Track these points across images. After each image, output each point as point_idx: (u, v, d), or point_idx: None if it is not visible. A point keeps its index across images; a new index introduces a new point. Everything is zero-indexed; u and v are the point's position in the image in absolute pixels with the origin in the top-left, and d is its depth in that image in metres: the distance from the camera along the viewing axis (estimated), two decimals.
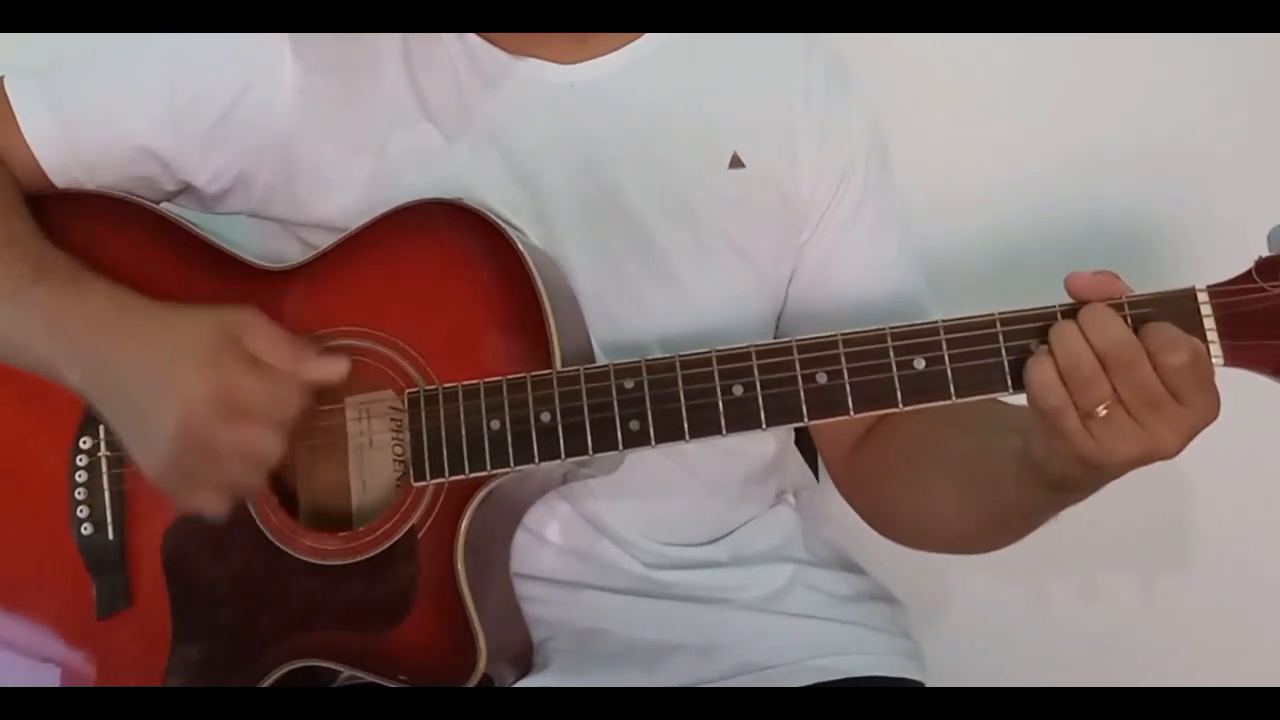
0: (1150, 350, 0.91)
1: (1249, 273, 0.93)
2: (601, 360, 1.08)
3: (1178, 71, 1.46)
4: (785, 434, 1.29)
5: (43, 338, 1.07)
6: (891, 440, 1.19)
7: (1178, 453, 0.93)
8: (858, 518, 1.25)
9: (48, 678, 1.14)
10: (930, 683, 1.21)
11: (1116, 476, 0.96)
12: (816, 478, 1.37)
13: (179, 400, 1.00)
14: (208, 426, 1.00)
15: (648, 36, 1.18)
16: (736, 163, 1.18)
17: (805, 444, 1.35)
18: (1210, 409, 0.93)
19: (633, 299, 1.16)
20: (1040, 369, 0.93)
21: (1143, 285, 0.96)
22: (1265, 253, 0.93)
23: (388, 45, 1.15)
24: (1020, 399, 0.96)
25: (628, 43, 1.18)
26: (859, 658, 1.18)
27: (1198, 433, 0.93)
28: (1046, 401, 0.93)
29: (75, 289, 1.08)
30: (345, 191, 1.15)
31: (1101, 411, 0.92)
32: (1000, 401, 0.99)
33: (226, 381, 1.01)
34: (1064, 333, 0.93)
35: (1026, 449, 0.98)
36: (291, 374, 1.03)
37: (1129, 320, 0.93)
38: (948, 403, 0.97)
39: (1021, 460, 0.99)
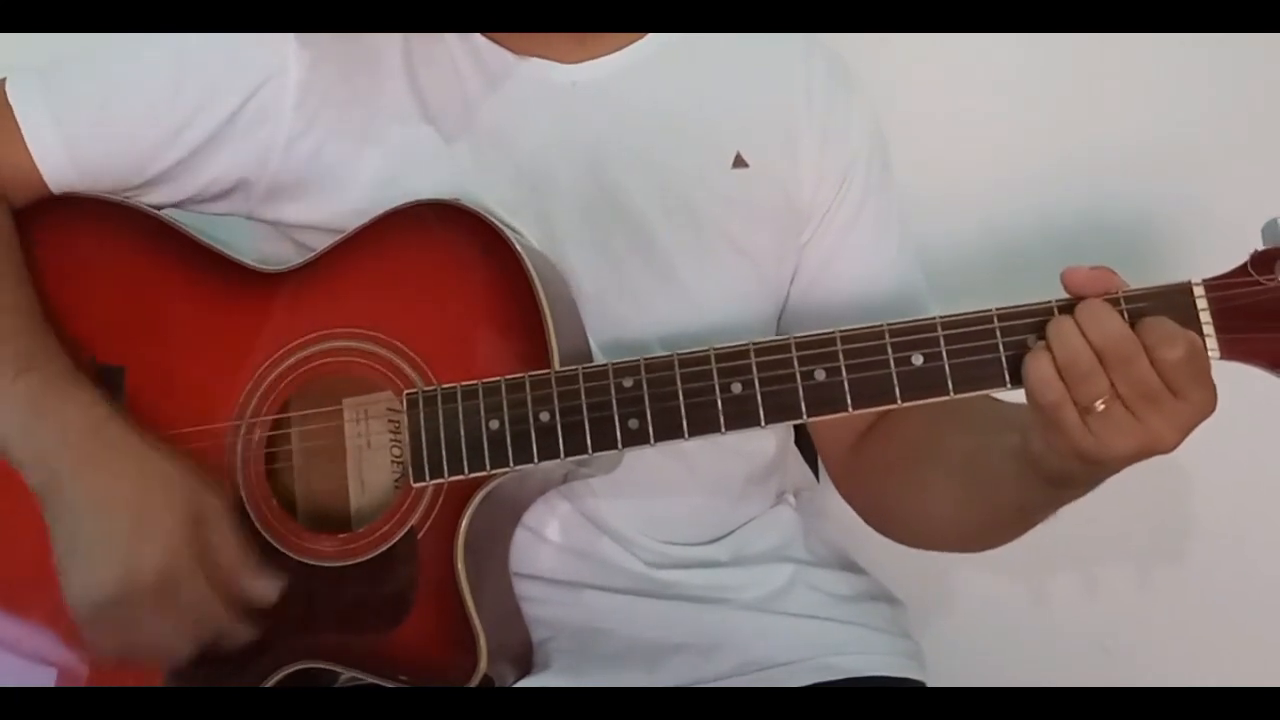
0: (1147, 345, 0.91)
1: (1244, 266, 0.93)
2: (600, 360, 1.08)
3: (1174, 70, 1.46)
4: (785, 433, 1.29)
5: (13, 432, 1.07)
6: (890, 439, 1.19)
7: (1175, 447, 0.94)
8: (858, 518, 1.25)
9: (47, 678, 1.14)
10: (930, 683, 1.21)
11: (1115, 472, 0.96)
12: (817, 477, 1.37)
13: (127, 566, 1.03)
14: (138, 607, 1.03)
15: (650, 37, 1.18)
16: (739, 163, 1.18)
17: (805, 444, 1.35)
18: (1207, 403, 0.93)
19: (634, 299, 1.16)
20: (1038, 364, 0.93)
21: (1140, 281, 0.96)
22: (1260, 247, 0.93)
23: (389, 46, 1.15)
24: (1018, 395, 0.96)
25: (630, 43, 1.18)
26: (859, 658, 1.18)
27: (1195, 427, 0.93)
28: (1044, 396, 0.93)
29: (55, 394, 1.08)
30: (347, 193, 1.15)
31: (1099, 406, 0.92)
32: (998, 399, 0.99)
33: (171, 571, 1.04)
34: (1061, 328, 0.93)
35: (1025, 445, 0.98)
36: (229, 584, 1.06)
37: (1125, 315, 0.93)
38: (946, 399, 0.97)
39: (1020, 456, 0.99)
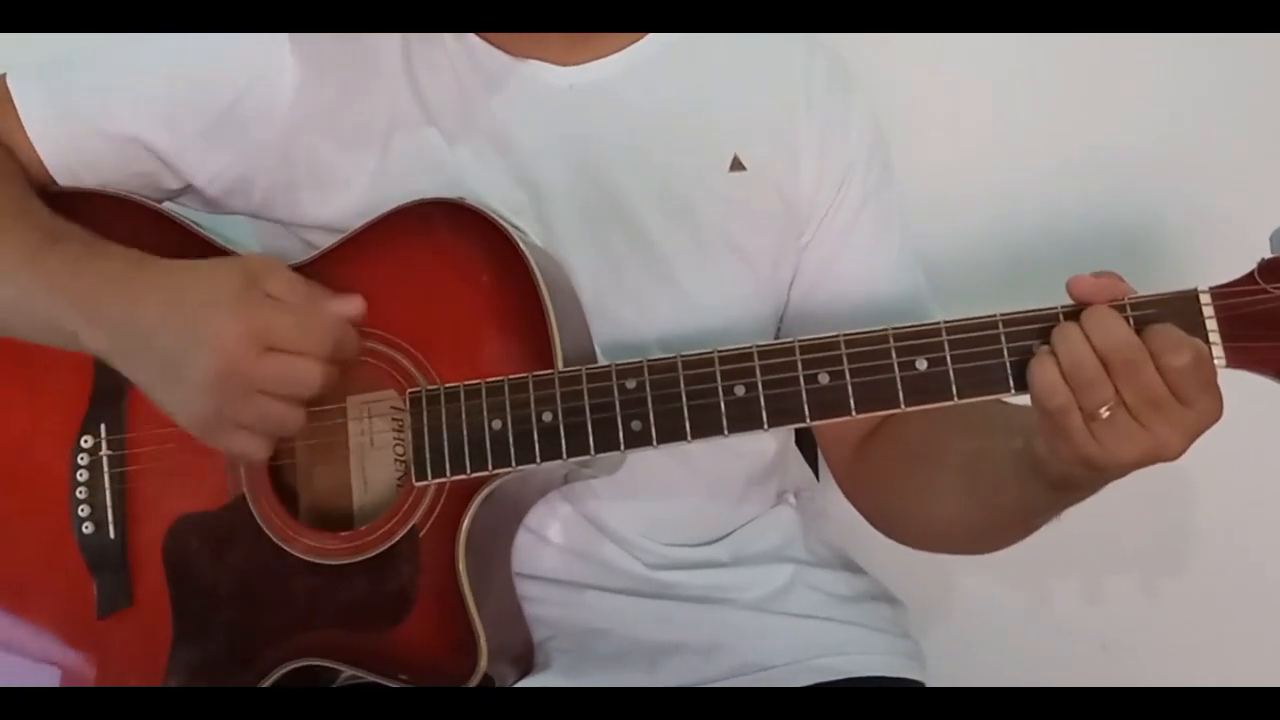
0: (1153, 351, 0.91)
1: (1251, 274, 0.93)
2: (602, 361, 1.08)
3: (1180, 72, 1.46)
4: (786, 434, 1.29)
5: (61, 304, 1.06)
6: (894, 442, 1.19)
7: (1181, 454, 0.93)
8: (858, 518, 1.25)
9: (48, 677, 1.14)
10: (930, 683, 1.21)
11: (1119, 477, 0.96)
12: (817, 478, 1.37)
13: (213, 344, 0.99)
14: (245, 364, 0.99)
15: (648, 38, 1.18)
16: (737, 165, 1.18)
17: (806, 444, 1.35)
18: (1213, 410, 0.93)
19: (633, 301, 1.16)
20: (1044, 369, 0.93)
21: (1146, 287, 0.95)
22: (1268, 254, 0.93)
23: (388, 47, 1.15)
24: (1022, 399, 0.96)
25: (628, 44, 1.18)
26: (859, 658, 1.18)
27: (1201, 434, 0.93)
28: (1050, 401, 0.93)
29: (91, 251, 1.08)
30: (346, 194, 1.15)
31: (1104, 413, 0.92)
32: (1003, 402, 0.99)
33: (256, 319, 1.00)
34: (1067, 334, 0.93)
35: (1028, 448, 0.98)
36: (316, 307, 1.03)
37: (1131, 322, 0.93)
38: (950, 404, 0.97)
39: (1023, 460, 0.99)
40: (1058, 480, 0.98)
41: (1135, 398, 0.92)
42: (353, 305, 1.04)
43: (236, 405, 1.01)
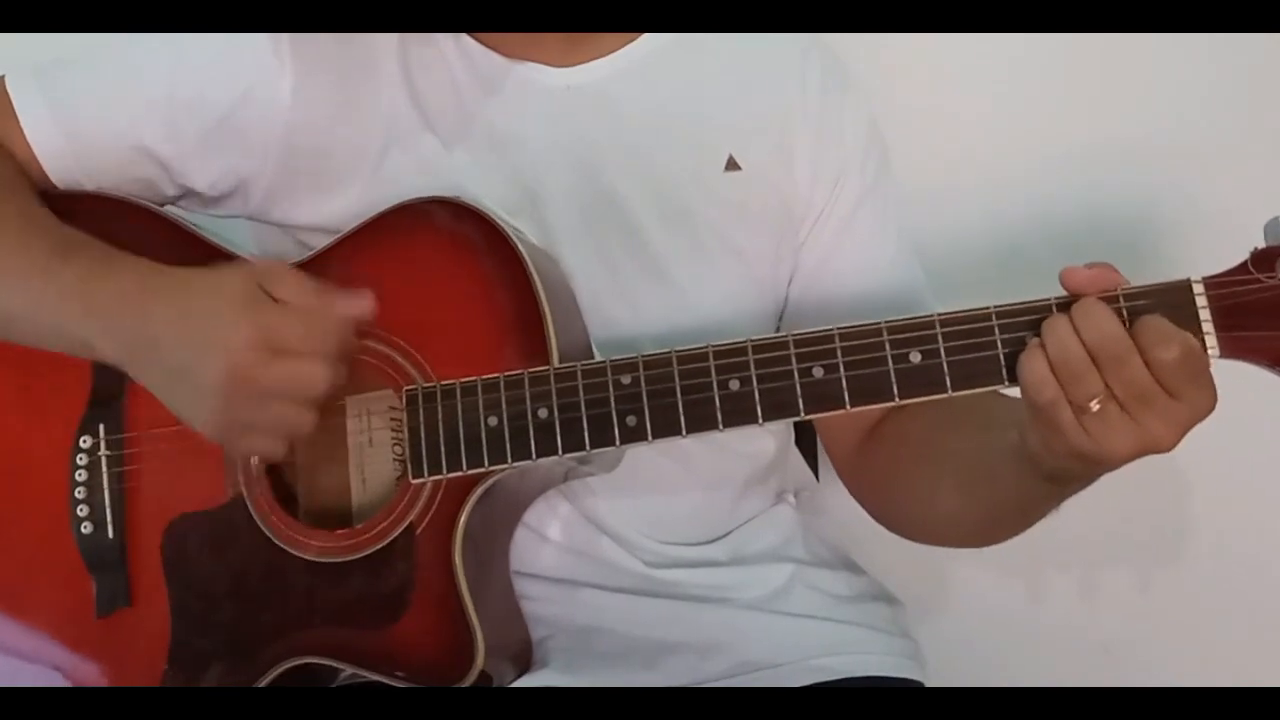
0: (1141, 345, 0.91)
1: (1245, 264, 0.93)
2: (599, 358, 1.08)
3: (1174, 68, 1.46)
4: (785, 433, 1.29)
5: (76, 315, 1.07)
6: (897, 438, 1.19)
7: (1173, 446, 0.93)
8: (857, 518, 1.25)
9: (47, 677, 1.14)
10: (929, 682, 1.21)
11: (1114, 469, 0.96)
12: (817, 478, 1.37)
13: (221, 350, 1.00)
14: (254, 369, 1.00)
15: (644, 38, 1.19)
16: (733, 165, 1.18)
17: (806, 444, 1.35)
18: (1205, 403, 0.92)
19: (629, 301, 1.16)
20: (1033, 363, 0.93)
21: (1141, 278, 0.95)
22: (1261, 244, 0.93)
23: (384, 48, 1.16)
24: (1017, 391, 0.96)
25: (623, 45, 1.18)
26: (859, 657, 1.18)
27: (1193, 426, 0.93)
28: (1040, 395, 0.93)
29: (104, 265, 1.08)
30: (344, 196, 1.15)
31: (1094, 406, 0.92)
32: (1001, 395, 0.99)
33: (263, 324, 1.00)
34: (1056, 327, 0.93)
35: (1023, 442, 0.98)
36: (323, 309, 1.03)
37: (1124, 313, 0.93)
38: (944, 396, 0.97)
39: (1019, 454, 0.99)
40: (1052, 473, 0.98)
41: (1123, 391, 0.91)
42: (362, 304, 1.04)
43: (249, 410, 1.01)
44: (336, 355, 1.02)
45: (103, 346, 1.06)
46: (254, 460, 1.12)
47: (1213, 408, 0.93)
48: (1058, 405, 0.92)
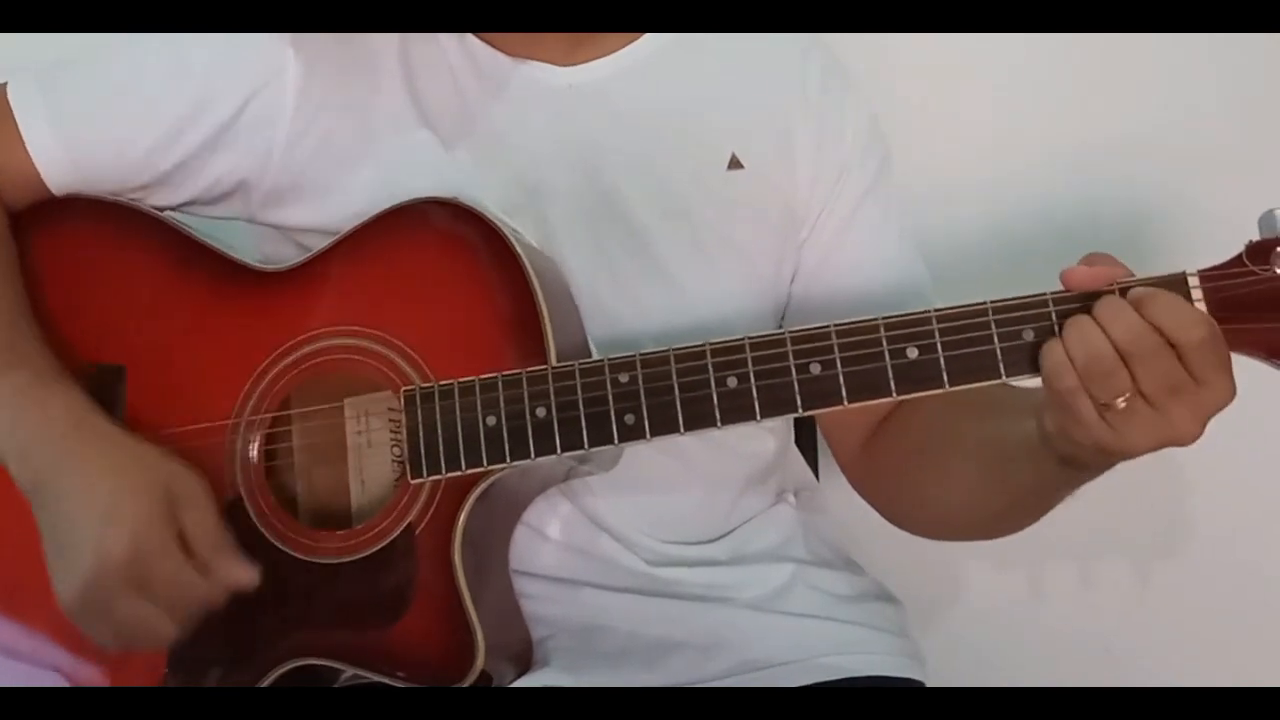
0: (1167, 329, 0.90)
1: (1239, 257, 0.93)
2: (597, 357, 1.08)
3: (1171, 66, 1.47)
4: (786, 433, 1.29)
5: (2, 427, 1.08)
6: (904, 431, 1.19)
7: (1196, 438, 0.93)
8: (858, 518, 1.25)
9: (47, 678, 1.14)
10: (930, 682, 1.21)
11: (1131, 459, 0.96)
12: (817, 477, 1.37)
13: (98, 552, 1.03)
14: (113, 591, 1.03)
15: (646, 37, 1.19)
16: (735, 163, 1.18)
17: (806, 444, 1.35)
18: (1228, 389, 0.92)
19: (631, 300, 1.17)
20: (1052, 350, 0.93)
21: (1139, 271, 0.95)
22: (1256, 237, 0.93)
23: (386, 50, 1.16)
24: (1014, 384, 0.96)
25: (624, 45, 1.18)
26: (859, 657, 1.18)
27: (1213, 415, 0.92)
28: (1061, 382, 0.92)
29: (39, 392, 1.09)
30: (345, 197, 1.15)
31: (1121, 404, 0.91)
32: (1011, 385, 0.99)
33: (143, 553, 1.03)
34: (1082, 328, 0.93)
35: (1039, 426, 0.98)
36: (206, 564, 1.05)
37: None
38: (941, 391, 0.97)
39: (1033, 438, 0.99)
40: (1070, 459, 0.98)
41: (1154, 384, 0.91)
42: (246, 576, 1.07)
43: (95, 611, 1.04)
44: (187, 617, 1.05)
45: (14, 470, 1.08)
46: (253, 459, 1.12)
47: (1233, 396, 0.92)
48: (1078, 393, 0.92)
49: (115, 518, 1.03)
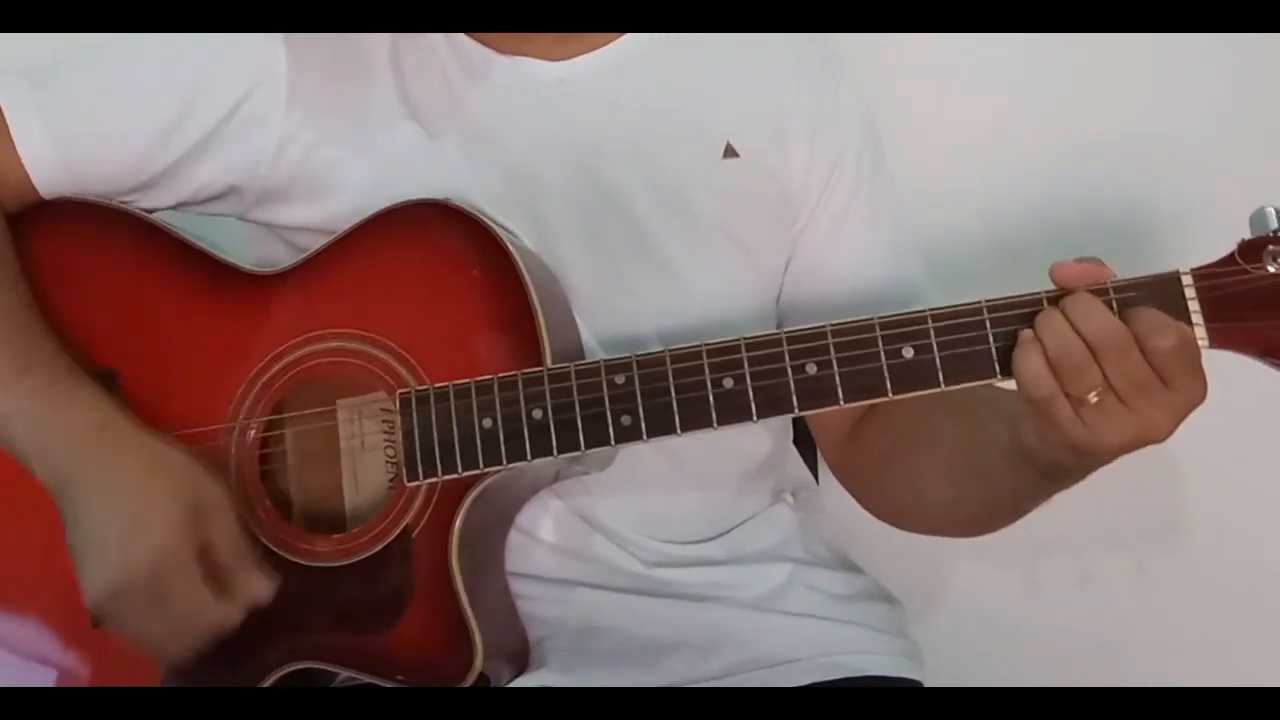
0: (1138, 335, 0.92)
1: (1232, 255, 0.93)
2: (595, 357, 1.08)
3: (1166, 67, 1.47)
4: (782, 432, 1.29)
5: (20, 431, 1.08)
6: (884, 427, 1.19)
7: (1168, 436, 0.94)
8: (856, 518, 1.25)
9: (46, 678, 1.15)
10: (929, 682, 1.21)
11: (1107, 462, 0.96)
12: (816, 478, 1.36)
13: (124, 566, 1.03)
14: (134, 605, 1.03)
15: None
16: (730, 152, 1.18)
17: (805, 444, 1.35)
18: (1198, 392, 0.93)
19: (630, 293, 1.16)
20: (1029, 359, 0.94)
21: (1134, 270, 0.96)
22: (1248, 235, 0.93)
23: (377, 49, 1.16)
24: (1009, 384, 0.96)
25: (618, 37, 1.18)
26: (857, 657, 1.18)
27: (1187, 415, 0.93)
28: (1037, 391, 0.93)
29: (56, 391, 1.08)
30: (338, 196, 1.15)
31: (1093, 398, 0.92)
32: (992, 385, 0.99)
33: (162, 570, 1.03)
34: (1051, 322, 0.94)
35: (1016, 437, 0.98)
36: (229, 574, 1.06)
37: (1114, 305, 0.94)
38: (937, 390, 0.97)
39: (1012, 450, 0.99)
40: (1047, 467, 0.98)
41: (1122, 382, 0.92)
42: (263, 590, 1.07)
43: (126, 608, 1.04)
44: (196, 639, 1.05)
45: (37, 470, 1.07)
46: (248, 464, 1.12)
47: (1204, 396, 0.93)
48: (1055, 399, 0.93)
49: (142, 530, 1.03)
